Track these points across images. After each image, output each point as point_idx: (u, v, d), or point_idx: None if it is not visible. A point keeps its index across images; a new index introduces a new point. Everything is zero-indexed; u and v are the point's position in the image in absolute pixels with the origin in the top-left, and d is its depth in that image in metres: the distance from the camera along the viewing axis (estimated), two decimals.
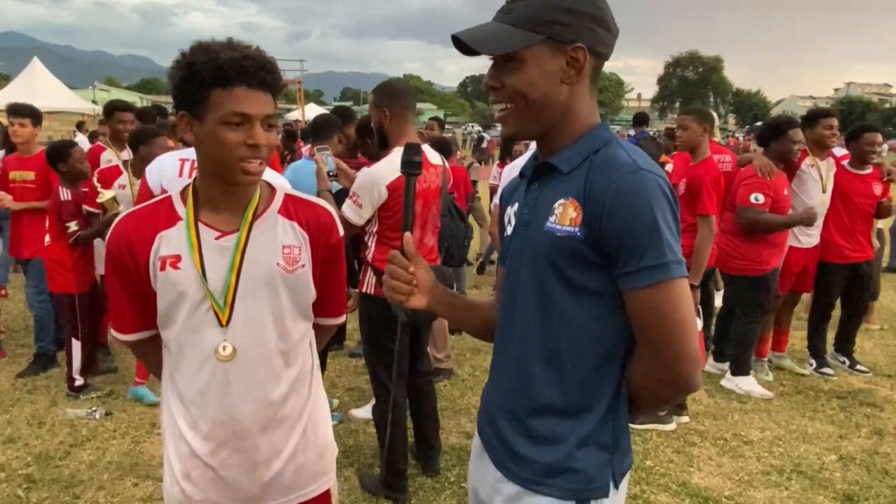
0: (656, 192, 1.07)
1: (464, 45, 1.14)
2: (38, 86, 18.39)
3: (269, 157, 1.34)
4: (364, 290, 2.89)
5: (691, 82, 78.96)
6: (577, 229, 1.10)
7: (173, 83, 1.30)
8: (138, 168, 3.68)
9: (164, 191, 2.39)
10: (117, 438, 3.52)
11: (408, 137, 2.75)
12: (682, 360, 1.09)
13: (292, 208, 1.45)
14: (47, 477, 3.13)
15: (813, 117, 4.52)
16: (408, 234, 1.32)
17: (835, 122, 4.41)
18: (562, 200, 1.13)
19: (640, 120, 8.94)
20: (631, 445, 1.26)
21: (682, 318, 1.08)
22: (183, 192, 1.42)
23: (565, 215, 1.12)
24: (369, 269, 2.87)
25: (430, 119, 7.65)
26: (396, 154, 2.73)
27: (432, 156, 2.92)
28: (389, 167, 2.70)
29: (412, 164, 1.36)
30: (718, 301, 4.82)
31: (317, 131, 3.99)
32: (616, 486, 1.19)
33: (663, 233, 1.06)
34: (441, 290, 1.38)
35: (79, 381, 4.03)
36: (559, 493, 1.17)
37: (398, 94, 2.82)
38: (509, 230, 1.29)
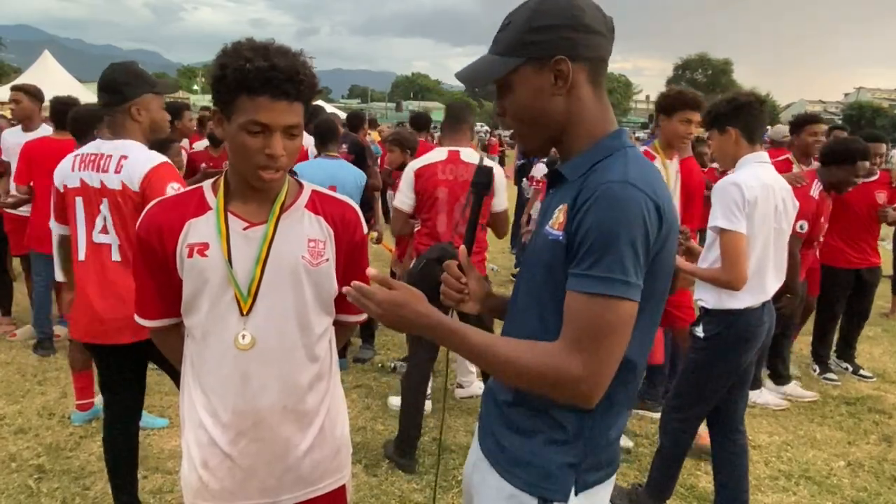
0: (634, 210, 1.06)
1: None
2: (48, 79, 18.40)
3: (289, 164, 1.36)
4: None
5: (700, 85, 78.59)
6: (560, 234, 1.14)
7: (211, 78, 1.32)
8: None
9: (65, 187, 2.44)
10: None
11: (453, 141, 3.47)
12: (588, 378, 1.06)
13: (319, 203, 1.48)
14: (58, 468, 3.16)
15: (798, 123, 4.43)
16: (463, 247, 1.39)
17: (820, 128, 4.33)
18: (560, 206, 1.17)
19: None
20: (611, 462, 1.27)
21: (610, 344, 1.06)
22: (214, 183, 1.45)
23: (556, 220, 1.16)
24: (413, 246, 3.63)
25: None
26: (433, 151, 3.49)
27: (467, 154, 3.40)
28: (421, 158, 3.42)
29: (479, 185, 1.43)
30: None
31: (324, 137, 4.04)
32: (576, 494, 1.20)
33: (623, 250, 1.05)
34: (495, 299, 1.44)
35: None
36: (521, 484, 1.21)
37: (457, 111, 3.53)
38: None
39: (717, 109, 2.63)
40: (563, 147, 1.23)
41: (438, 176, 3.33)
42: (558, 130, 1.20)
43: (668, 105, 3.45)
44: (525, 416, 1.22)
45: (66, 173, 2.44)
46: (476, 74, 1.23)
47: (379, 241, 5.45)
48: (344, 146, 4.94)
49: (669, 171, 3.55)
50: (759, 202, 2.50)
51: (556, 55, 1.14)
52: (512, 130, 1.29)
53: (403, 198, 3.40)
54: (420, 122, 6.38)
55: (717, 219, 2.48)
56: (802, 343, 5.04)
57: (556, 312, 1.13)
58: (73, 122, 3.71)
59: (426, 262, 3.21)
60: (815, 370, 4.78)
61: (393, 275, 5.21)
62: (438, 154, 3.39)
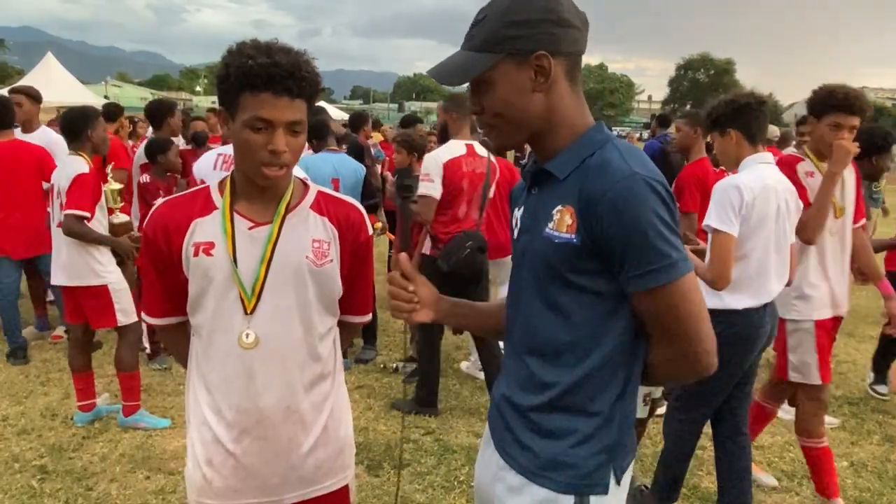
0: (650, 194, 1.08)
1: None
2: (51, 80, 18.46)
3: (293, 161, 1.37)
4: (422, 251, 3.86)
5: (703, 85, 78.37)
6: (573, 236, 1.12)
7: (216, 79, 1.34)
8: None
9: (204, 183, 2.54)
10: (129, 432, 3.55)
11: (463, 135, 3.81)
12: (698, 351, 1.15)
13: (324, 204, 1.49)
14: (60, 468, 3.17)
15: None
16: (403, 255, 1.39)
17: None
18: (559, 207, 1.15)
19: (664, 122, 8.66)
20: (635, 443, 1.29)
21: (695, 312, 1.12)
22: (221, 184, 1.46)
23: (562, 222, 1.14)
24: (427, 234, 3.90)
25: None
26: (452, 144, 3.78)
27: (479, 149, 3.83)
28: (446, 151, 3.73)
29: (404, 187, 1.42)
30: None
31: (319, 134, 4.10)
32: (618, 483, 1.22)
33: (663, 233, 1.08)
34: (447, 302, 1.43)
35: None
36: (558, 486, 1.19)
37: (462, 104, 3.77)
38: (516, 233, 1.33)
39: (717, 111, 2.61)
40: (543, 144, 1.21)
41: (463, 168, 3.75)
42: (538, 127, 1.19)
43: (814, 105, 2.79)
44: (557, 418, 1.20)
45: (209, 171, 2.48)
46: (453, 73, 1.19)
47: (384, 231, 5.49)
48: (344, 147, 4.99)
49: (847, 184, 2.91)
50: (757, 203, 2.48)
51: (537, 50, 1.13)
52: (485, 128, 1.26)
53: (437, 186, 3.67)
54: (407, 123, 7.08)
55: (710, 218, 2.48)
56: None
57: (566, 307, 1.17)
58: (65, 123, 3.70)
59: (470, 251, 3.62)
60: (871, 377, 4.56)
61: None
62: (459, 148, 3.74)
